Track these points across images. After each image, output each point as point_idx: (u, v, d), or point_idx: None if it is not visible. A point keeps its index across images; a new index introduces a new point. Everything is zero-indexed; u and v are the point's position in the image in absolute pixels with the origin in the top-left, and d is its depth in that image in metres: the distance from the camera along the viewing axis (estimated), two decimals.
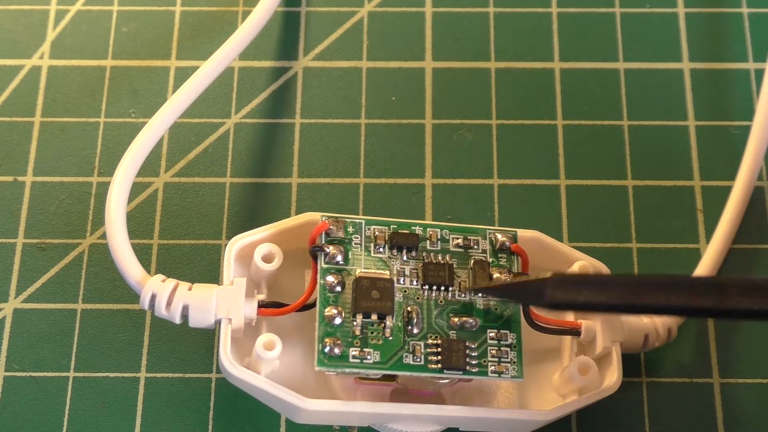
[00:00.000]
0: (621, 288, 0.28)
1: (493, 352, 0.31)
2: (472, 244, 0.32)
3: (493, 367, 0.30)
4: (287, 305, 0.31)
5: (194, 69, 0.35)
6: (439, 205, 0.36)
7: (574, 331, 0.32)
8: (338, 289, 0.30)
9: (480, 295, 0.31)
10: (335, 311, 0.30)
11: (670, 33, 0.39)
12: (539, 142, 0.37)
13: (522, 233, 0.32)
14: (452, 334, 0.31)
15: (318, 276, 0.31)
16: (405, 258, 0.31)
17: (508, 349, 0.31)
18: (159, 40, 0.39)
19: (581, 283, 0.28)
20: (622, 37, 0.39)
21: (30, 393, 0.34)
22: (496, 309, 0.31)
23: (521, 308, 0.31)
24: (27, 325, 0.34)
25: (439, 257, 0.31)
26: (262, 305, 0.31)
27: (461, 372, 0.30)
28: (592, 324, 0.32)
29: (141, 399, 0.34)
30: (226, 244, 0.32)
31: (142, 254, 0.35)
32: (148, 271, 0.32)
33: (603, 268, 0.32)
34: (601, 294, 0.28)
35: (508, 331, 0.31)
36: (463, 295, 0.31)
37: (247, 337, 0.31)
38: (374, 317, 0.30)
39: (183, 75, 0.38)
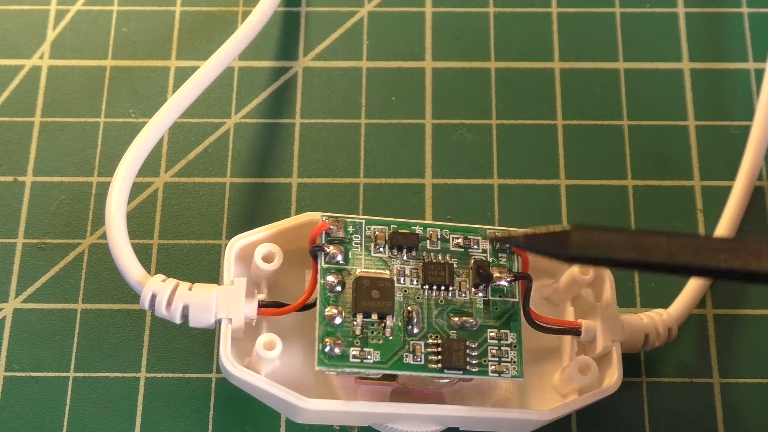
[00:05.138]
0: (647, 246, 0.27)
1: (494, 351, 0.31)
2: (472, 244, 0.32)
3: (493, 367, 0.30)
4: (287, 305, 0.31)
5: (194, 69, 0.35)
6: (439, 205, 0.36)
7: (574, 331, 0.32)
8: (338, 288, 0.30)
9: (498, 245, 0.31)
10: (335, 311, 0.30)
11: (670, 33, 0.39)
12: (539, 142, 0.37)
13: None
14: (452, 333, 0.31)
15: (318, 276, 0.31)
16: (405, 258, 0.31)
17: (509, 348, 0.31)
18: (159, 40, 0.39)
19: (605, 236, 0.28)
20: (622, 37, 0.39)
21: (30, 393, 0.34)
22: (496, 309, 0.31)
23: (521, 307, 0.31)
24: (27, 325, 0.34)
25: (440, 257, 0.31)
26: (262, 305, 0.31)
27: (461, 372, 0.30)
28: (593, 323, 0.32)
29: (141, 399, 0.34)
30: (226, 244, 0.32)
31: (142, 254, 0.35)
32: (148, 271, 0.32)
33: (605, 271, 0.32)
34: (625, 250, 0.27)
35: (508, 331, 0.31)
36: (463, 295, 0.31)
37: (248, 337, 0.31)
38: (374, 317, 0.30)
39: (183, 75, 0.38)
